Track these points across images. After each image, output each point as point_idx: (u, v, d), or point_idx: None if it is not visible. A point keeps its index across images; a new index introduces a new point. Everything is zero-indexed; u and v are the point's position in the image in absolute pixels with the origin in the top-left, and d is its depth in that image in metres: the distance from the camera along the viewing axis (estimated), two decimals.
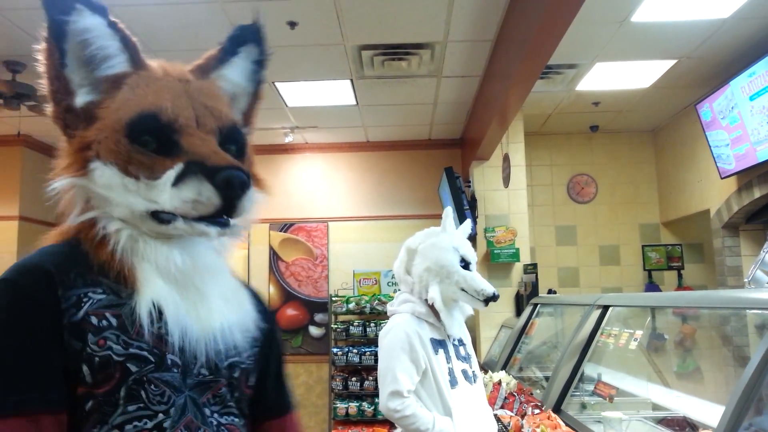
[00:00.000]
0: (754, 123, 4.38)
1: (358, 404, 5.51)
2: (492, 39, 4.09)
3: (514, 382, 3.21)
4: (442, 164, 5.85)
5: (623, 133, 6.53)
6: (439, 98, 5.23)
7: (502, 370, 3.67)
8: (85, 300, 0.84)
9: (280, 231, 6.33)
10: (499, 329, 5.22)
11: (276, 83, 4.77)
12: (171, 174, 0.87)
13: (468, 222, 2.45)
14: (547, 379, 3.30)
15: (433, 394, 2.14)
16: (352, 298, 5.77)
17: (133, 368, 0.82)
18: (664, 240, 6.39)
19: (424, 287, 2.23)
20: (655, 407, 2.62)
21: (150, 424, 0.82)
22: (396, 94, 5.09)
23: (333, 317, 5.83)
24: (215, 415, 0.90)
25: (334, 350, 5.65)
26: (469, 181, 5.77)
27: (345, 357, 5.57)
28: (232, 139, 0.97)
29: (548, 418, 2.38)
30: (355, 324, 5.68)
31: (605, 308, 2.71)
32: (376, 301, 5.68)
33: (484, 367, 4.25)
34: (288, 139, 6.05)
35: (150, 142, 0.89)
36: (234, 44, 1.06)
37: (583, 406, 2.71)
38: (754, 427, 1.39)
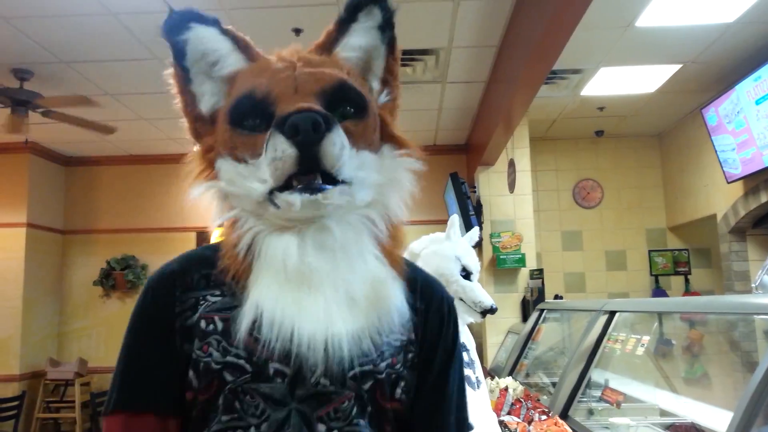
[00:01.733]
0: (760, 127, 4.36)
1: None
2: (496, 45, 4.10)
3: (520, 388, 3.19)
4: (447, 170, 5.85)
5: (629, 138, 6.52)
6: (444, 104, 5.23)
7: (508, 376, 3.66)
8: (201, 303, 0.83)
9: None
10: (506, 335, 5.20)
11: None
12: (265, 146, 0.81)
13: (476, 230, 2.45)
14: (554, 385, 3.28)
15: None
16: None
17: (229, 377, 0.79)
18: (670, 245, 6.37)
19: None
20: (663, 413, 2.61)
21: None
22: (401, 100, 5.09)
23: None
24: None
25: None
26: (475, 187, 5.77)
27: None
28: (344, 98, 0.87)
29: (555, 425, 2.37)
30: None
31: (612, 314, 2.69)
32: None
33: (491, 373, 4.24)
34: None
35: (251, 122, 0.85)
36: (351, 11, 0.97)
37: (591, 412, 2.69)
38: None
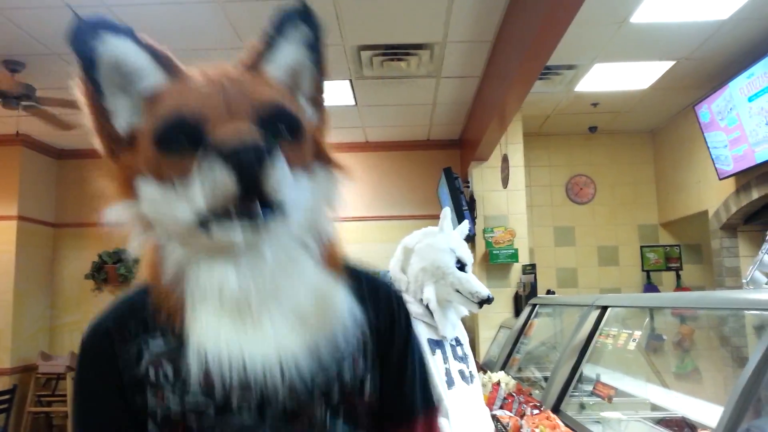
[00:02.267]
0: (752, 124, 4.39)
1: None
2: (491, 40, 4.10)
3: (513, 382, 3.21)
4: (440, 165, 5.85)
5: (622, 134, 6.54)
6: (438, 99, 5.23)
7: (501, 370, 3.67)
8: (143, 349, 0.79)
9: None
10: (498, 330, 5.22)
11: None
12: (196, 167, 0.77)
13: (466, 223, 2.46)
14: (545, 379, 3.30)
15: None
16: None
17: (194, 422, 0.76)
18: (662, 241, 6.40)
19: (419, 287, 2.23)
20: (654, 408, 2.63)
21: None
22: (395, 95, 5.09)
23: None
24: None
25: None
26: (468, 182, 5.78)
27: None
28: (279, 119, 0.84)
29: (547, 419, 2.39)
30: None
31: (604, 309, 2.71)
32: None
33: (483, 368, 4.26)
34: None
35: (178, 142, 0.80)
36: (279, 28, 0.95)
37: (582, 406, 2.71)
38: (753, 427, 1.39)
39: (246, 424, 0.77)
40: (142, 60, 0.87)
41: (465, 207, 5.19)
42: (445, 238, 2.29)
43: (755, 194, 4.67)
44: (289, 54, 0.95)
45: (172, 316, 0.79)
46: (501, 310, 5.37)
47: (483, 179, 5.68)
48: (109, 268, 6.24)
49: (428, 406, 0.98)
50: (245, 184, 0.75)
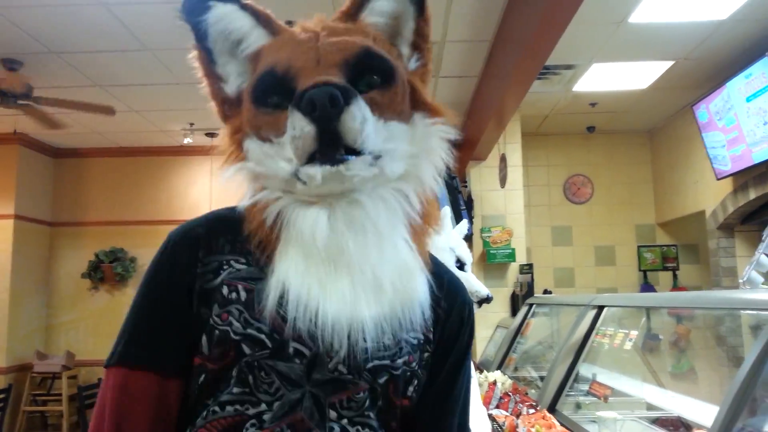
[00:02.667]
0: (750, 124, 4.39)
1: None
2: (490, 39, 4.10)
3: (509, 381, 3.21)
4: None
5: (620, 134, 6.54)
6: (436, 98, 5.19)
7: (497, 369, 3.67)
8: (225, 267, 0.80)
9: None
10: (495, 329, 5.22)
11: None
12: (287, 123, 0.78)
13: (464, 222, 2.46)
14: (542, 379, 3.30)
15: None
16: None
17: (247, 350, 0.75)
18: (659, 241, 6.41)
19: None
20: (650, 407, 2.63)
21: (252, 411, 0.75)
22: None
23: None
24: (344, 421, 0.77)
25: None
26: (466, 182, 5.78)
27: None
28: (369, 66, 0.82)
29: (543, 418, 2.38)
30: None
31: (600, 308, 2.71)
32: None
33: (480, 367, 4.25)
34: None
35: (274, 100, 0.81)
36: None
37: (578, 406, 2.71)
38: (748, 427, 1.39)
39: (292, 376, 0.76)
40: (246, 23, 0.89)
41: (463, 206, 5.19)
42: (445, 237, 2.30)
43: (752, 194, 4.68)
44: (389, 0, 0.92)
45: (263, 247, 0.79)
46: (498, 309, 5.37)
47: (481, 179, 5.68)
48: (106, 267, 6.23)
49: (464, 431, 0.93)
50: (323, 133, 0.75)
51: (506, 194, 5.57)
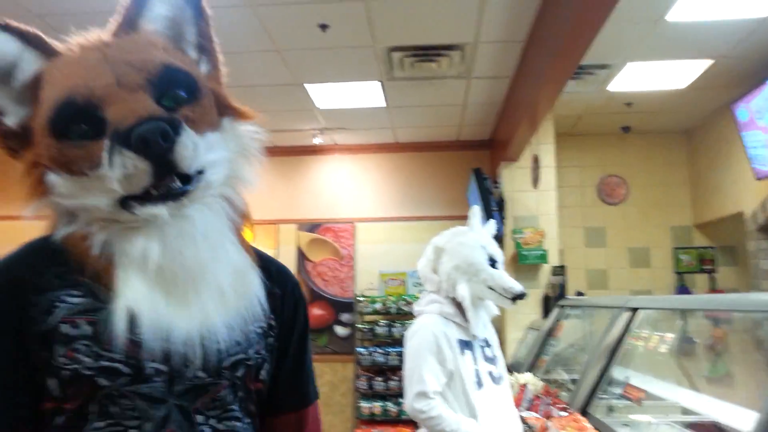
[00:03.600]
0: None
1: (382, 404, 5.54)
2: (523, 40, 4.08)
3: (540, 383, 3.19)
4: (470, 165, 5.84)
5: (656, 134, 6.43)
6: (469, 99, 5.22)
7: (528, 371, 3.66)
8: (57, 305, 0.76)
9: (308, 231, 6.39)
10: (526, 331, 5.19)
11: (305, 85, 4.82)
12: (105, 155, 0.75)
13: (492, 221, 2.47)
14: (573, 381, 3.28)
15: (459, 395, 2.14)
16: (378, 299, 5.80)
17: (104, 382, 0.74)
18: (696, 242, 6.28)
19: (451, 285, 2.24)
20: (685, 411, 2.59)
21: None
22: (425, 96, 5.10)
23: (359, 317, 5.86)
24: (212, 421, 0.81)
25: (360, 350, 5.68)
26: (498, 182, 5.75)
27: (370, 357, 5.60)
28: (173, 82, 0.82)
29: (575, 421, 2.38)
30: (380, 324, 5.71)
31: (635, 311, 2.68)
32: (402, 302, 5.70)
33: (510, 369, 4.24)
34: (317, 141, 6.10)
35: (78, 130, 0.77)
36: None
37: (611, 409, 2.69)
38: None
39: (155, 395, 0.76)
40: (13, 47, 0.81)
41: (494, 207, 5.18)
42: (476, 235, 2.31)
43: None
44: (164, 3, 0.89)
45: (98, 276, 0.77)
46: (529, 311, 5.34)
47: (513, 180, 5.65)
48: None
49: (317, 398, 1.02)
50: (158, 167, 0.75)
51: (538, 195, 5.53)
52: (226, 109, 0.89)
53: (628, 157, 6.48)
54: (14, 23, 0.82)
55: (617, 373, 2.77)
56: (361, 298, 5.87)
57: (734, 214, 5.50)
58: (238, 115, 0.91)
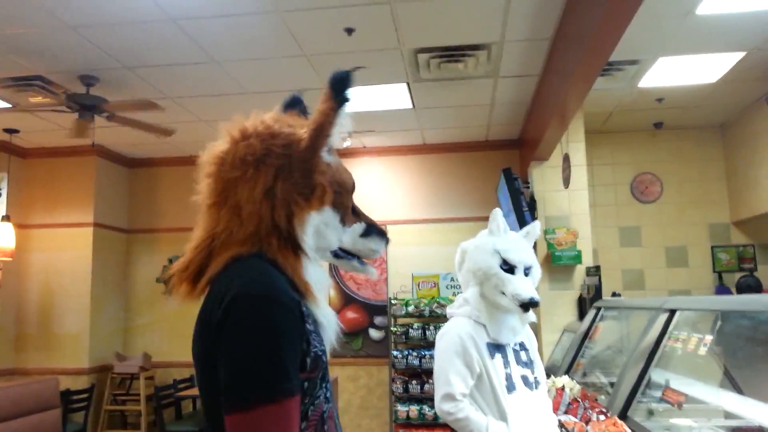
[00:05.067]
0: None
1: (418, 407, 5.52)
2: (550, 37, 4.03)
3: (577, 387, 3.14)
4: (499, 165, 5.79)
5: (689, 130, 6.29)
6: (497, 99, 5.18)
7: (564, 374, 3.60)
8: (305, 311, 1.08)
9: None
10: (562, 333, 5.12)
11: None
12: (358, 227, 1.23)
13: (536, 224, 2.41)
14: (611, 384, 3.21)
15: (488, 398, 2.13)
16: (411, 301, 5.78)
17: (325, 359, 1.10)
18: (735, 240, 6.12)
19: (466, 289, 2.27)
20: (727, 415, 2.52)
21: (328, 394, 1.12)
22: (452, 96, 5.08)
23: (392, 320, 5.86)
24: None
25: (394, 353, 5.67)
26: (528, 182, 5.69)
27: (405, 360, 5.59)
28: None
29: (614, 425, 2.33)
30: (414, 327, 5.68)
31: (673, 312, 2.62)
32: (435, 304, 5.68)
33: (547, 372, 4.18)
34: (346, 144, 6.13)
35: (348, 203, 1.22)
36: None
37: (650, 412, 2.62)
38: None
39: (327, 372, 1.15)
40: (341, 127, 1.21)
41: (525, 208, 5.12)
42: (492, 239, 2.28)
43: None
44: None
45: (305, 294, 1.11)
46: (564, 313, 5.26)
47: (543, 179, 5.59)
48: None
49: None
50: (380, 251, 1.28)
51: (570, 194, 5.45)
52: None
53: (662, 153, 6.35)
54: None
55: (656, 376, 2.71)
56: (395, 301, 5.86)
57: None
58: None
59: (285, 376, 0.99)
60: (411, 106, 5.26)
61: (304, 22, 3.73)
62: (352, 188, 1.24)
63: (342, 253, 1.23)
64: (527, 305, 2.15)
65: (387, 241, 1.27)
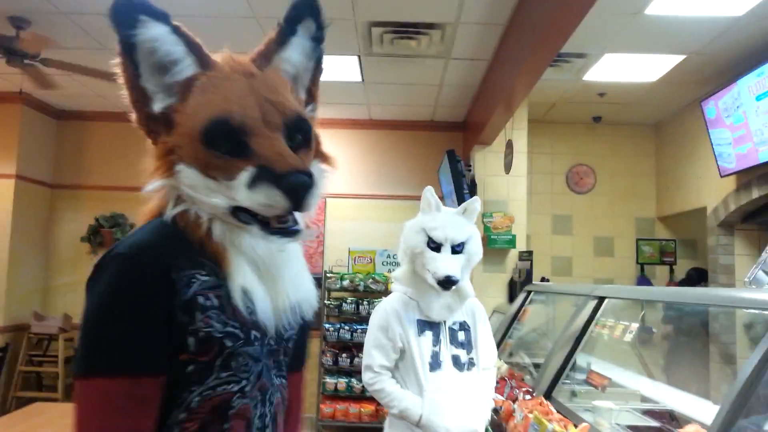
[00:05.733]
0: (758, 123, 4.38)
1: (347, 380, 5.57)
2: (504, 23, 4.06)
3: (505, 367, 3.24)
4: (443, 146, 5.83)
5: (626, 126, 6.53)
6: (446, 80, 5.20)
7: None
8: (193, 281, 0.94)
9: None
10: (491, 314, 5.26)
11: None
12: (245, 176, 0.94)
13: (476, 199, 2.38)
14: (536, 366, 3.33)
15: (409, 373, 2.20)
16: (346, 276, 5.78)
17: (228, 344, 0.96)
18: (658, 234, 6.43)
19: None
20: (644, 399, 2.66)
21: (236, 388, 0.98)
22: (402, 74, 5.05)
23: (326, 293, 5.85)
24: (274, 377, 1.07)
25: (326, 326, 5.68)
26: (470, 165, 5.77)
27: (336, 333, 5.61)
28: (298, 128, 1.03)
29: (540, 404, 2.41)
30: (348, 301, 5.70)
31: (602, 299, 2.73)
32: (371, 280, 5.70)
33: None
34: None
35: (223, 145, 0.96)
36: (291, 23, 1.08)
37: (574, 394, 2.74)
38: (750, 425, 1.41)
39: (254, 355, 1.01)
40: (179, 49, 0.98)
41: (466, 190, 5.19)
42: (420, 218, 2.31)
43: (756, 193, 4.69)
44: (298, 48, 1.09)
45: (214, 258, 0.98)
46: (495, 294, 5.40)
47: (485, 163, 5.67)
48: (105, 233, 6.22)
49: (307, 361, 1.32)
50: (294, 208, 0.96)
51: (510, 180, 5.56)
52: (319, 153, 1.11)
53: (598, 147, 6.57)
54: (185, 29, 1.00)
55: (581, 359, 2.82)
56: (330, 275, 5.85)
57: (697, 209, 5.64)
58: (325, 160, 1.12)
59: (102, 350, 0.90)
60: (360, 79, 5.20)
61: (275, 7, 3.60)
62: (220, 126, 0.95)
63: (245, 217, 0.98)
64: (443, 283, 2.17)
65: (289, 189, 0.92)
